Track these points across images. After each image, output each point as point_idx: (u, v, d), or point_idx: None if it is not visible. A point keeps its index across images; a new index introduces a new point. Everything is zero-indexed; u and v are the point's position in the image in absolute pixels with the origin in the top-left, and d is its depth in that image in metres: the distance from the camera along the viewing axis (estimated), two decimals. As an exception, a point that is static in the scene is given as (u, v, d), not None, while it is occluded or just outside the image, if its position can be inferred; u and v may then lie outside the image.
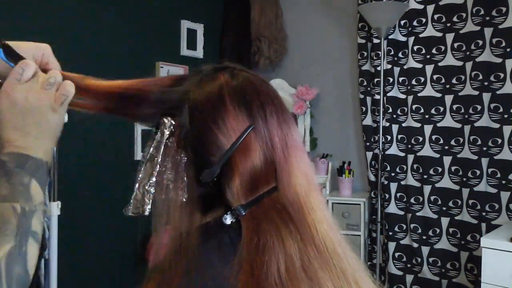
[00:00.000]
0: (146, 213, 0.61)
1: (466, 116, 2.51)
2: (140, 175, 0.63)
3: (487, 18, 2.42)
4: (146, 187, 0.62)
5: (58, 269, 1.76)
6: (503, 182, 2.41)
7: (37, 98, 0.61)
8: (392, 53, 2.73)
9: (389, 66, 2.73)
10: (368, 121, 2.87)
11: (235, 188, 0.60)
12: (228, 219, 0.59)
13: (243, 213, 0.59)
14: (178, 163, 0.62)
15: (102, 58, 2.32)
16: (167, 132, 0.63)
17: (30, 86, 0.61)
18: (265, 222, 0.58)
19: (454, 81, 2.56)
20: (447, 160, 2.60)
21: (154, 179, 0.61)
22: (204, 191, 0.62)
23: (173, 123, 0.63)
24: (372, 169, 2.86)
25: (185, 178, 0.61)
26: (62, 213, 1.79)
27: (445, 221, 2.62)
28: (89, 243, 2.32)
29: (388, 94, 2.75)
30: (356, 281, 0.60)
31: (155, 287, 0.57)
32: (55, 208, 1.73)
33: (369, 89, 2.85)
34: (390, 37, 2.71)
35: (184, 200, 0.61)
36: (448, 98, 2.58)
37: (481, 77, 2.45)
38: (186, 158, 0.62)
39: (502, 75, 2.39)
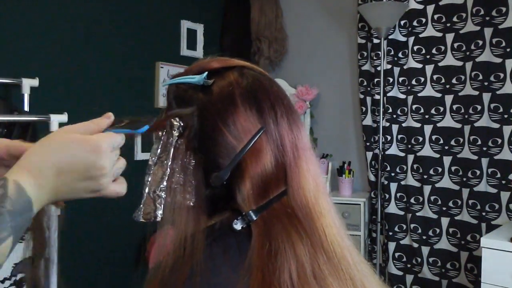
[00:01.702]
0: (158, 218, 0.59)
1: (466, 116, 2.51)
2: (150, 179, 0.60)
3: (487, 18, 2.42)
4: (157, 192, 0.59)
5: (58, 269, 1.76)
6: (503, 182, 2.41)
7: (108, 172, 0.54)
8: (392, 53, 2.73)
9: (389, 66, 2.73)
10: (368, 121, 2.87)
11: (246, 192, 0.58)
12: (239, 225, 0.58)
13: (254, 219, 0.57)
14: (187, 165, 0.60)
15: (102, 58, 2.32)
16: (175, 134, 0.60)
17: (112, 158, 0.55)
18: (276, 227, 0.57)
19: (454, 81, 2.56)
20: (447, 160, 2.60)
21: (165, 183, 0.59)
22: (211, 194, 0.61)
23: (182, 124, 0.61)
24: (372, 169, 2.86)
25: (193, 181, 0.60)
26: (62, 213, 1.78)
27: (445, 221, 2.62)
28: (89, 243, 2.31)
29: (388, 94, 2.75)
30: (364, 287, 0.59)
31: None
32: (55, 208, 1.73)
33: (369, 89, 2.85)
34: (390, 37, 2.71)
35: (192, 204, 0.59)
36: (448, 98, 2.58)
37: (481, 77, 2.45)
38: (194, 161, 0.60)
39: (502, 75, 2.39)
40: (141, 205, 0.60)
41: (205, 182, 0.60)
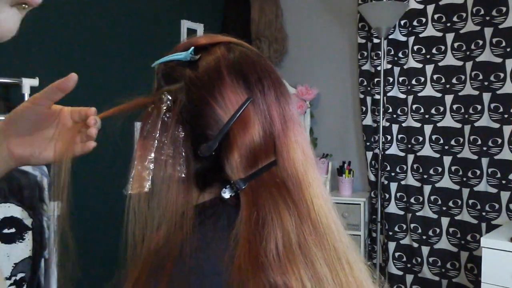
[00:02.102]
0: (146, 189, 0.59)
1: (466, 116, 2.52)
2: (138, 152, 0.62)
3: (487, 18, 2.42)
4: (145, 164, 0.60)
5: (58, 269, 1.76)
6: (503, 182, 2.41)
7: None
8: (392, 53, 2.74)
9: (389, 66, 2.74)
10: (368, 121, 2.87)
11: (234, 162, 0.59)
12: (227, 193, 0.59)
13: (243, 187, 0.58)
14: (176, 138, 0.61)
15: (102, 58, 2.32)
16: (163, 107, 0.61)
17: None
18: (264, 196, 0.58)
19: (454, 81, 2.56)
20: (447, 160, 2.60)
21: (152, 155, 0.60)
22: (201, 167, 0.62)
23: (170, 98, 0.62)
24: (372, 169, 2.86)
25: (183, 153, 0.60)
26: (61, 214, 1.78)
27: (445, 221, 2.62)
28: (89, 243, 2.31)
29: (388, 94, 2.75)
30: (347, 259, 0.60)
31: (146, 271, 0.56)
32: (55, 208, 1.74)
33: (369, 89, 2.86)
34: (390, 37, 2.71)
35: (183, 175, 0.60)
36: (448, 98, 2.58)
37: (481, 77, 2.45)
38: (183, 133, 0.61)
39: (502, 75, 2.39)
40: (130, 178, 0.61)
41: (195, 154, 0.61)
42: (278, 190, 0.59)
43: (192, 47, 0.63)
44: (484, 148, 2.46)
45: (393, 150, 2.77)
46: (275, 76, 0.66)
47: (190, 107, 0.61)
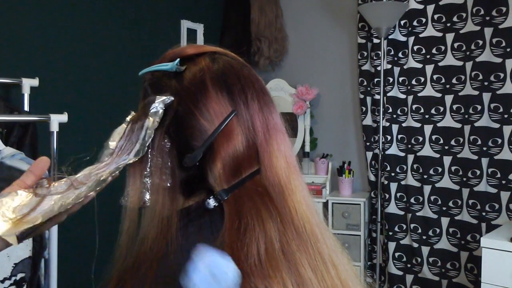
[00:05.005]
0: (148, 203, 0.61)
1: (466, 116, 2.52)
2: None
3: (487, 18, 2.42)
4: (142, 179, 0.61)
5: (58, 269, 1.76)
6: (503, 182, 2.41)
7: None
8: (392, 53, 2.74)
9: (389, 66, 2.74)
10: (368, 121, 2.87)
11: (217, 172, 0.60)
12: (211, 204, 0.60)
13: (225, 198, 0.59)
14: (162, 148, 0.62)
15: (102, 58, 2.32)
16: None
17: None
18: (247, 205, 0.59)
19: (454, 81, 2.56)
20: (447, 160, 2.60)
21: (148, 169, 0.61)
22: (186, 176, 0.63)
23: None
24: (372, 169, 2.86)
25: (169, 163, 0.62)
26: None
27: (445, 221, 2.62)
28: (89, 243, 2.31)
29: (388, 94, 2.75)
30: (332, 261, 0.61)
31: (132, 271, 0.57)
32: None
33: (369, 89, 2.86)
34: (390, 37, 2.71)
35: (168, 185, 0.61)
36: (448, 98, 2.58)
37: (481, 77, 2.45)
38: (169, 144, 0.62)
39: (502, 75, 2.39)
40: (127, 191, 0.62)
41: (180, 164, 0.62)
42: (261, 198, 0.60)
43: (178, 59, 0.64)
44: (484, 148, 2.46)
45: (393, 150, 2.77)
46: (259, 86, 0.66)
47: (176, 117, 0.62)
